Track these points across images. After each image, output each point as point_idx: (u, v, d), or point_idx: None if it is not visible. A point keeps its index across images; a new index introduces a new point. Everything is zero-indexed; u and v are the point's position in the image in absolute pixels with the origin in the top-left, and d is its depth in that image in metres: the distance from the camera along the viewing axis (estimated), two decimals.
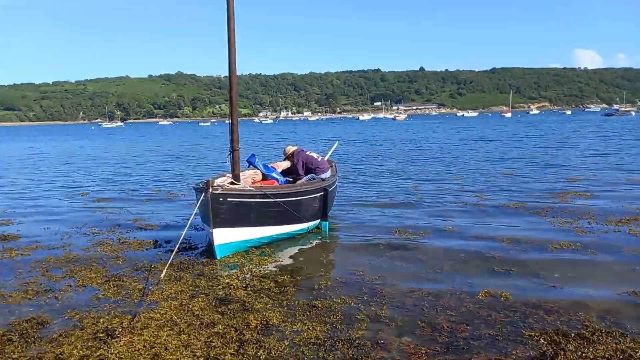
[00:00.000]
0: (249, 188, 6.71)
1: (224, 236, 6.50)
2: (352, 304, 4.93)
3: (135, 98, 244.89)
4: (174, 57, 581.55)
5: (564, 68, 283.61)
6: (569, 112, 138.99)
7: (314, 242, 7.49)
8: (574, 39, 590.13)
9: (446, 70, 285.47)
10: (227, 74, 6.96)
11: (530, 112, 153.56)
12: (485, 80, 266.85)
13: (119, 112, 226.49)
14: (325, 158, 9.60)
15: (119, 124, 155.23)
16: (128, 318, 4.68)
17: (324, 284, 5.51)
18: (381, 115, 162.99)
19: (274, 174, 8.37)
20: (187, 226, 6.69)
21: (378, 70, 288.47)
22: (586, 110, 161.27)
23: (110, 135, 68.20)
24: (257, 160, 8.35)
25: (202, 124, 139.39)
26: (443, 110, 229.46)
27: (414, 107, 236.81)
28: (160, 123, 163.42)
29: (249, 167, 8.70)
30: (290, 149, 8.68)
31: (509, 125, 59.19)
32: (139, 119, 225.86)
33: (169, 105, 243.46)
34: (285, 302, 5.02)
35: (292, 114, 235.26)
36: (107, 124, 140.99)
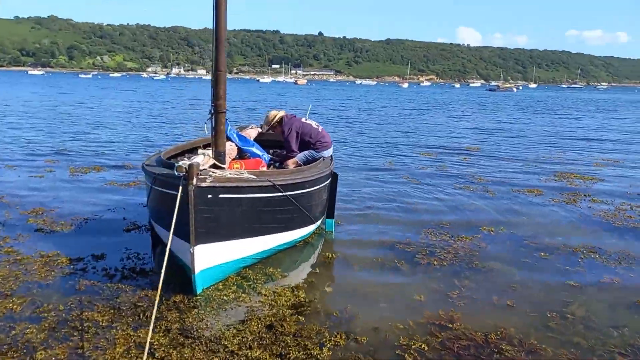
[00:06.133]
0: (249, 176, 4.14)
1: (211, 256, 3.94)
2: None
3: None
4: None
5: (450, 43, 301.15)
6: (457, 86, 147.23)
7: (324, 253, 5.16)
8: (457, 16, 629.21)
9: (344, 37, 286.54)
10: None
11: (422, 84, 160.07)
12: (380, 50, 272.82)
13: None
14: None
15: None
16: None
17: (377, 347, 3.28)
18: (281, 78, 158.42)
19: (254, 149, 5.79)
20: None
21: (277, 31, 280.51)
22: (470, 85, 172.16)
23: None
24: (230, 128, 5.67)
25: (82, 75, 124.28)
26: (340, 78, 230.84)
27: (312, 73, 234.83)
28: (30, 72, 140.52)
29: None
30: (277, 113, 6.05)
31: (425, 96, 59.94)
32: (2, 66, 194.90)
33: (40, 52, 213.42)
34: None
35: (184, 71, 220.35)
36: None
